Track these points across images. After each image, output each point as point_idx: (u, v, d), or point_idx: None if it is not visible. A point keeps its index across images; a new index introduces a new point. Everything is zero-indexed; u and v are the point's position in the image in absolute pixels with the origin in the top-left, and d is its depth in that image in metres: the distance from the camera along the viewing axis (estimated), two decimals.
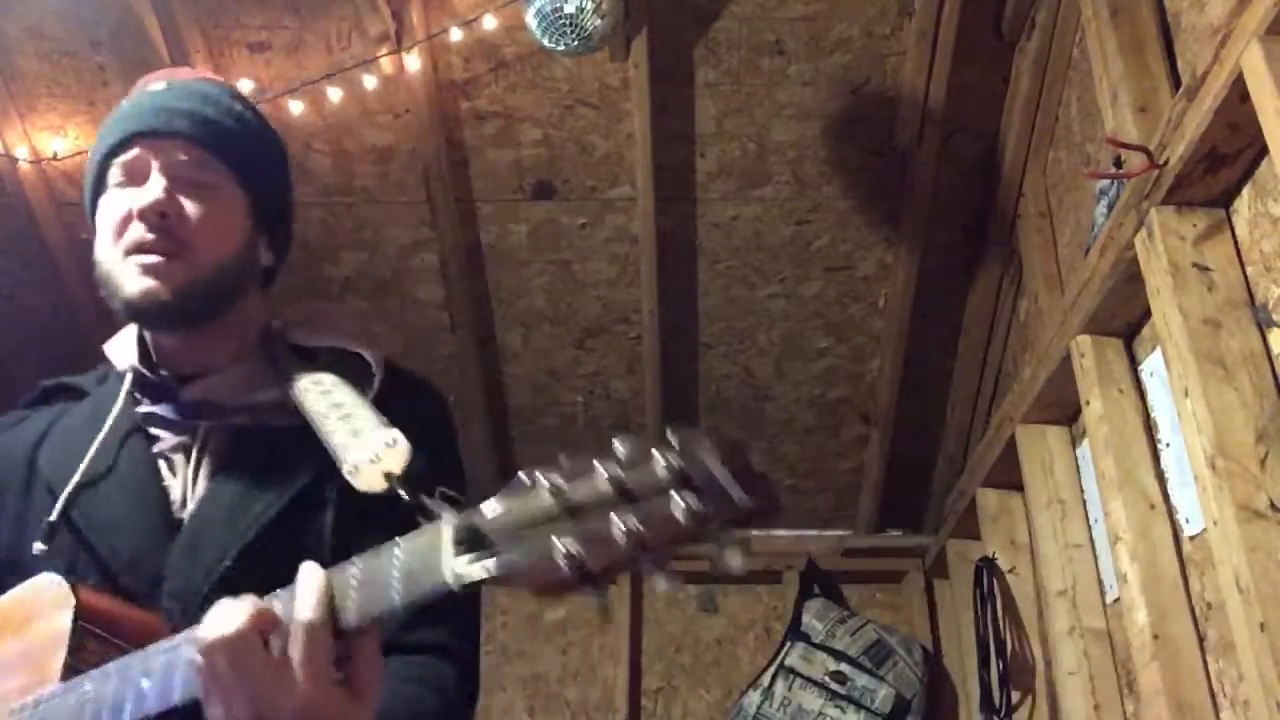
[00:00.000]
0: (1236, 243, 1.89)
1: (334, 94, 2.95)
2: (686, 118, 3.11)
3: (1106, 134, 2.19)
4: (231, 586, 0.91)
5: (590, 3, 2.52)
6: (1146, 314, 2.13)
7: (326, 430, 1.03)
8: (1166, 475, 2.13)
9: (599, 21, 2.55)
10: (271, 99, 2.96)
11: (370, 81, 2.92)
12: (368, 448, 0.99)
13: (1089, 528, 2.55)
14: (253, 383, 1.12)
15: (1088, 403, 2.31)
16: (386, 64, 2.91)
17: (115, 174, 1.10)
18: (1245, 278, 1.85)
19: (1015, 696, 2.90)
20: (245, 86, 2.98)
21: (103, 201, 1.11)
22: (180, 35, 2.87)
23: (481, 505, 0.71)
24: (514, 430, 3.81)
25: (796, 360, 3.63)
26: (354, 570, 0.77)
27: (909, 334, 3.47)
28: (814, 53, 2.98)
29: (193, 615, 0.89)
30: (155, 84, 1.18)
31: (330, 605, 0.76)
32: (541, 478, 0.68)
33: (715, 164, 3.20)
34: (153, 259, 1.06)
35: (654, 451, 0.67)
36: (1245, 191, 1.87)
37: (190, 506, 1.05)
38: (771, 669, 3.44)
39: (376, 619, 0.75)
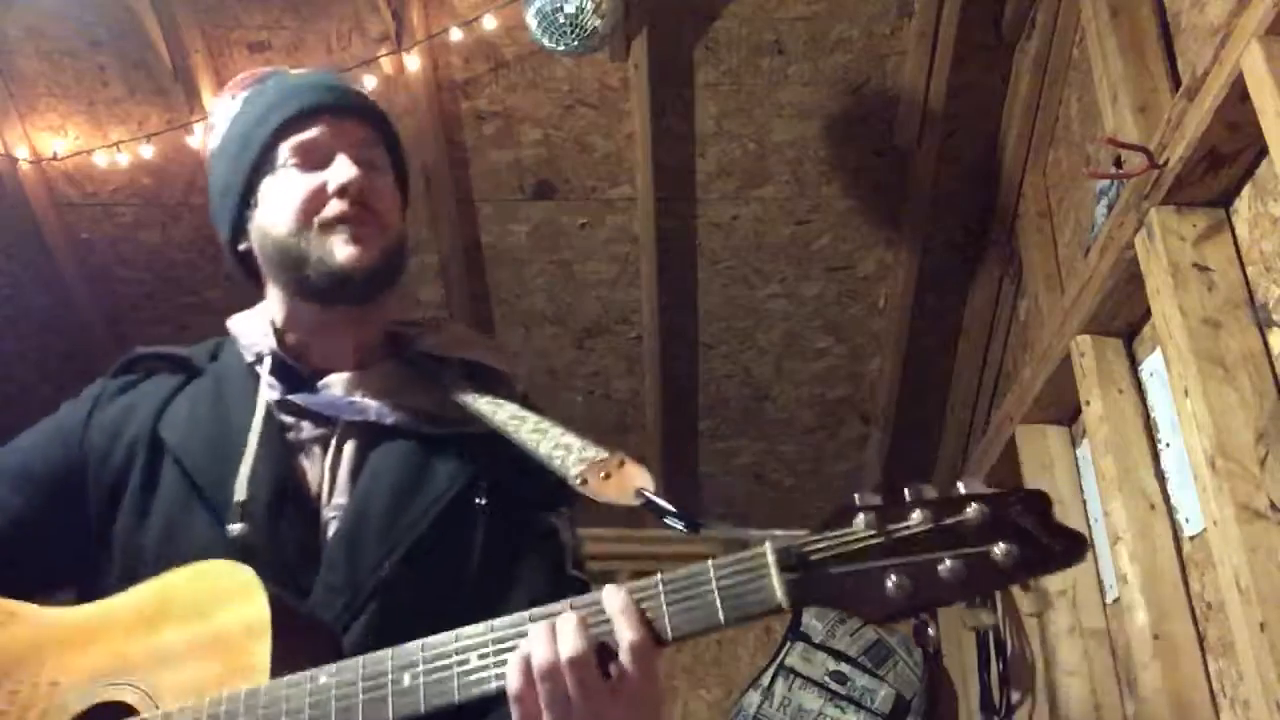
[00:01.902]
0: (1236, 243, 1.89)
1: None
2: (686, 118, 3.11)
3: (1106, 134, 2.19)
4: (391, 589, 0.98)
5: (590, 3, 2.52)
6: (1146, 314, 2.13)
7: (522, 438, 1.06)
8: (1166, 475, 2.13)
9: (599, 21, 2.55)
10: None
11: (370, 81, 2.92)
12: (588, 461, 1.01)
13: (1089, 528, 2.55)
14: (398, 384, 1.14)
15: (1088, 403, 2.31)
16: (386, 64, 2.91)
17: (289, 153, 1.13)
18: (1245, 278, 1.85)
19: (1015, 696, 2.90)
20: None
21: (278, 180, 1.13)
22: (180, 35, 2.87)
23: (797, 533, 0.79)
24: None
25: (796, 360, 3.63)
26: (659, 588, 0.80)
27: (909, 334, 3.47)
28: (814, 53, 2.98)
29: (354, 613, 0.96)
30: (295, 71, 1.23)
31: (649, 623, 0.79)
32: (861, 513, 0.78)
33: (715, 164, 3.20)
34: (358, 230, 1.11)
35: (970, 500, 0.76)
36: (1245, 191, 1.87)
37: (338, 500, 1.06)
38: (771, 669, 3.43)
39: (697, 634, 0.79)
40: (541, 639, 0.80)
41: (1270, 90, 1.56)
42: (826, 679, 3.36)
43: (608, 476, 1.00)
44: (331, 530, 1.04)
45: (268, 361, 1.13)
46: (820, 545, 0.78)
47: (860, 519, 0.78)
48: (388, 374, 1.16)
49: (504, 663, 0.82)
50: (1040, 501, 0.77)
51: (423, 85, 2.97)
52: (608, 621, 0.80)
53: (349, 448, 1.09)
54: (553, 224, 3.31)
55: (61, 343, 3.44)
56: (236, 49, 2.97)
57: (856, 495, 0.79)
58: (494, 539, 1.08)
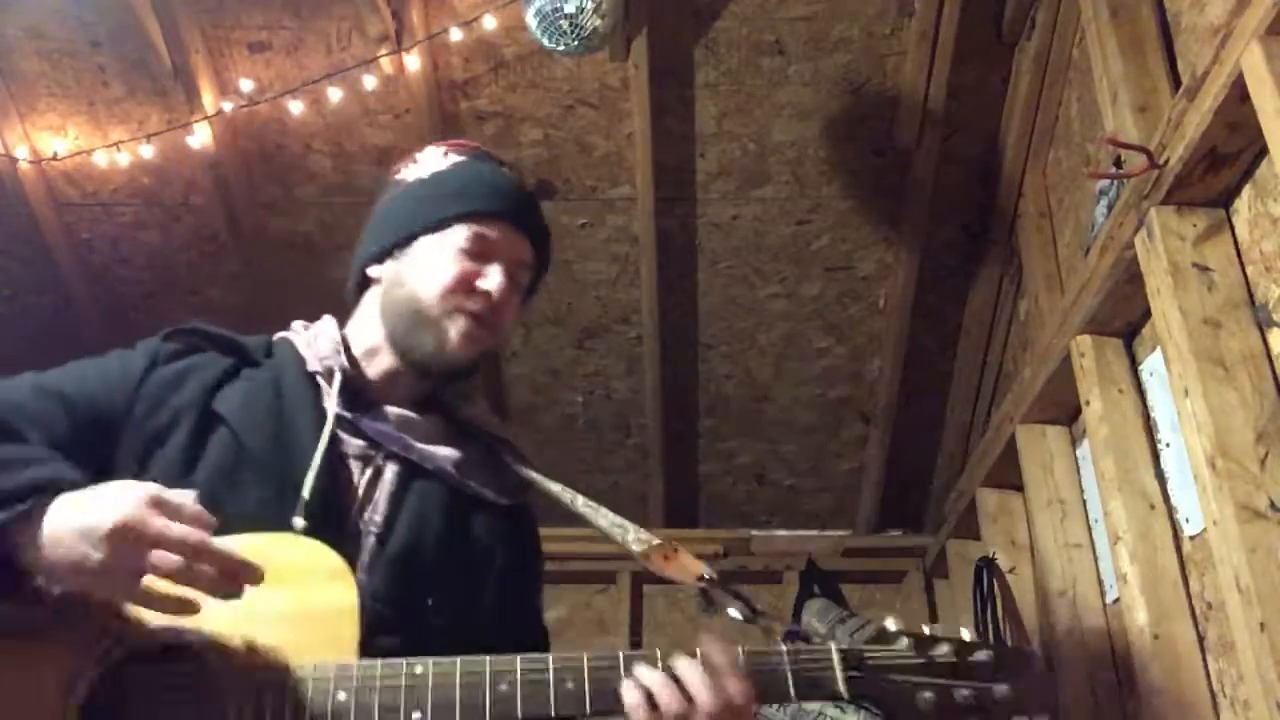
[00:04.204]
0: (1236, 243, 1.89)
1: (334, 94, 2.95)
2: (686, 118, 3.11)
3: (1106, 134, 2.19)
4: (435, 612, 1.09)
5: (590, 3, 2.52)
6: (1146, 314, 2.13)
7: (579, 509, 1.24)
8: (1166, 475, 2.13)
9: (599, 21, 2.55)
10: (271, 99, 2.96)
11: (370, 81, 2.92)
12: (646, 542, 1.19)
13: (1089, 528, 2.55)
14: (442, 436, 1.24)
15: (1088, 403, 2.31)
16: (386, 64, 2.91)
17: (465, 236, 1.24)
18: (1245, 278, 1.85)
19: None
20: (245, 86, 2.98)
21: (440, 247, 1.24)
22: (180, 35, 2.87)
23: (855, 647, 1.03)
24: (514, 430, 3.82)
25: (796, 360, 3.63)
26: (741, 662, 1.00)
27: (909, 334, 3.47)
28: (814, 53, 2.98)
29: (404, 624, 1.05)
30: (508, 170, 1.34)
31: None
32: (904, 636, 1.03)
33: (715, 164, 3.20)
34: (479, 330, 1.23)
35: (983, 646, 1.03)
36: (1245, 191, 1.87)
37: (373, 515, 1.14)
38: None
39: (768, 701, 1.00)
40: (662, 681, 0.96)
41: (1270, 90, 1.56)
42: None
43: (667, 558, 1.18)
44: (370, 542, 1.12)
45: (338, 378, 1.20)
46: (874, 654, 1.02)
47: (903, 642, 1.03)
48: (434, 424, 1.25)
49: (598, 688, 0.96)
50: (1034, 659, 1.08)
51: (423, 85, 2.97)
52: (718, 673, 0.98)
53: (390, 473, 1.18)
54: (553, 224, 3.29)
55: (61, 343, 3.44)
56: (236, 49, 2.97)
57: (890, 619, 1.06)
58: (500, 600, 1.20)
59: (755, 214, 3.31)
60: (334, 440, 1.15)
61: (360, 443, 1.18)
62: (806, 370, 3.65)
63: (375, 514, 1.14)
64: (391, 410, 1.22)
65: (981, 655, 1.02)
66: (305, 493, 1.08)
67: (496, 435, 1.30)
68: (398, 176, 1.34)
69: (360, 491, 1.15)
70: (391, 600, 1.07)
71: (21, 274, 3.34)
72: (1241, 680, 1.78)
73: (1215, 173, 1.85)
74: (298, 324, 1.30)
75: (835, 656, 1.00)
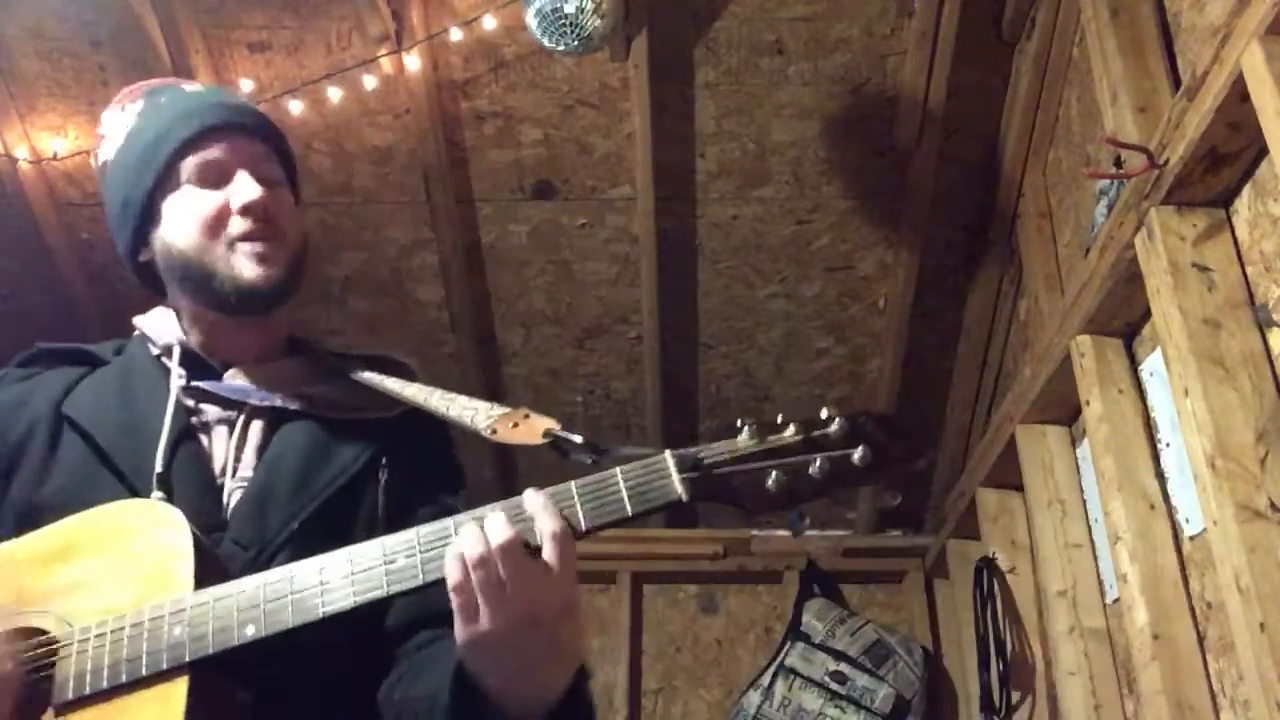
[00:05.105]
0: (1236, 243, 1.89)
1: (334, 94, 2.95)
2: (686, 118, 3.11)
3: (1106, 134, 2.19)
4: (299, 545, 1.04)
5: (590, 3, 2.52)
6: (1146, 314, 2.13)
7: (432, 405, 1.16)
8: (1166, 475, 2.13)
9: (599, 21, 2.55)
10: (271, 99, 2.96)
11: (370, 81, 2.92)
12: (496, 415, 1.11)
13: (1089, 528, 2.55)
14: (302, 377, 1.22)
15: (1088, 403, 2.31)
16: (386, 64, 2.91)
17: (191, 170, 1.17)
18: (1245, 278, 1.85)
19: (1015, 696, 2.90)
20: (245, 86, 2.98)
21: (180, 197, 1.17)
22: (180, 35, 2.87)
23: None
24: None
25: (796, 360, 3.63)
26: (573, 491, 0.93)
27: (909, 334, 3.47)
28: (814, 53, 2.98)
29: (262, 564, 1.03)
30: (188, 86, 1.27)
31: (566, 517, 0.91)
32: (744, 427, 0.95)
33: (715, 164, 3.20)
34: (264, 247, 1.16)
35: (834, 417, 0.95)
36: (1245, 191, 1.87)
37: (243, 473, 1.12)
38: (771, 669, 3.44)
39: (607, 525, 0.93)
40: (472, 534, 0.89)
41: (1270, 90, 1.56)
42: (826, 679, 3.36)
43: (516, 425, 1.08)
44: (236, 498, 1.11)
45: (177, 351, 1.18)
46: (711, 451, 0.94)
47: (745, 432, 0.95)
48: (291, 368, 1.22)
49: (430, 560, 0.92)
50: (890, 419, 0.97)
51: (423, 85, 2.97)
52: (530, 519, 0.91)
53: (255, 428, 1.16)
54: (553, 224, 3.31)
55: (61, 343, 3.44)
56: (236, 49, 2.97)
57: (740, 418, 0.96)
58: (395, 512, 1.15)
59: (755, 214, 3.31)
60: (191, 411, 1.15)
61: (216, 408, 1.16)
62: (806, 370, 3.66)
63: (245, 470, 1.12)
64: (244, 368, 1.19)
65: (834, 427, 0.94)
66: (158, 466, 1.07)
67: (370, 355, 1.27)
68: (101, 161, 1.27)
69: (227, 454, 1.13)
70: (255, 541, 1.06)
71: (21, 274, 3.34)
72: (1241, 680, 1.78)
73: (1215, 173, 1.85)
74: (138, 318, 1.27)
75: (670, 461, 0.93)
